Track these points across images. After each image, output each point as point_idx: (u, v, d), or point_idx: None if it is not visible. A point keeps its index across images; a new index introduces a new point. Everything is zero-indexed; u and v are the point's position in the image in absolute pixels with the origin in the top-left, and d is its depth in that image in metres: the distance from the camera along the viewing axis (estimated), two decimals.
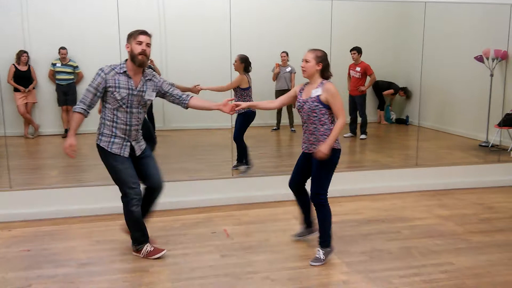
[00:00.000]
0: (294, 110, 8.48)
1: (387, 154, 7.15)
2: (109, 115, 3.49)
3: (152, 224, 4.33)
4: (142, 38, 3.44)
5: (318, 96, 3.47)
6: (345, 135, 8.15)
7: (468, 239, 4.04)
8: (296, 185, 3.82)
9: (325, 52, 3.59)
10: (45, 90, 8.01)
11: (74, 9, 7.71)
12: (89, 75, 8.06)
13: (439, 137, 8.19)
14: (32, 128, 7.85)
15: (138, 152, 3.62)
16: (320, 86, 3.49)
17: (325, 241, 3.61)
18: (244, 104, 3.75)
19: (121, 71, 3.47)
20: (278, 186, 5.08)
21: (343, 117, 3.47)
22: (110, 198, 4.71)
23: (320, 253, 3.58)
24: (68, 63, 7.95)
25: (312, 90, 3.52)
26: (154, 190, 3.69)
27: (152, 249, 3.68)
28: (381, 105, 9.33)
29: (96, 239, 4.05)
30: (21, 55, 7.64)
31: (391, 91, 9.12)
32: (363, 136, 8.07)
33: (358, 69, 8.04)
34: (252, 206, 4.86)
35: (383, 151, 7.45)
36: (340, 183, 5.29)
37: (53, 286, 3.24)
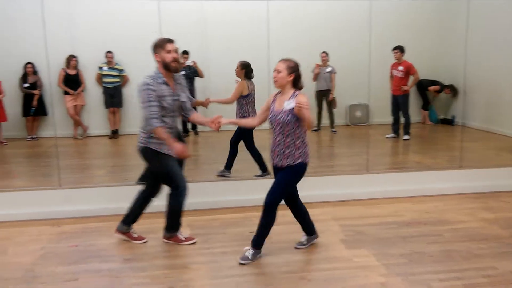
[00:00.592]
0: (335, 110, 8.50)
1: (431, 155, 6.99)
2: None
3: (192, 223, 4.48)
4: (170, 46, 3.64)
5: (291, 109, 3.44)
6: (387, 136, 8.04)
7: None
8: (286, 199, 3.80)
9: (297, 63, 3.56)
10: (93, 93, 8.37)
11: (119, 14, 8.01)
12: (134, 78, 8.38)
13: (487, 138, 7.93)
14: (81, 129, 8.20)
15: None
16: (293, 98, 3.47)
17: (260, 243, 3.65)
18: (225, 121, 3.77)
19: (161, 81, 3.65)
20: (317, 188, 5.10)
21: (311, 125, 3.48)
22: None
23: (250, 252, 3.62)
24: (114, 67, 8.26)
25: (284, 101, 3.50)
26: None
27: (184, 237, 4.02)
28: (425, 105, 9.12)
29: (140, 234, 4.20)
30: (71, 60, 8.01)
31: (437, 87, 8.90)
32: (406, 137, 7.93)
33: (400, 68, 7.91)
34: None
35: (427, 152, 7.29)
36: (380, 185, 5.26)
37: (99, 280, 3.39)
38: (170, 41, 3.68)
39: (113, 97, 8.25)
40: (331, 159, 7.33)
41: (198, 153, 7.51)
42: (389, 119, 8.14)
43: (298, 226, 4.09)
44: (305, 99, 3.43)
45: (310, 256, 3.73)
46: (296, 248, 3.89)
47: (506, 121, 7.94)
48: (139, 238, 4.10)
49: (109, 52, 8.19)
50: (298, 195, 3.84)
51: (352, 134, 8.75)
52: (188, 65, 7.76)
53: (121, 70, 8.31)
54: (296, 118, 3.44)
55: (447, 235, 4.11)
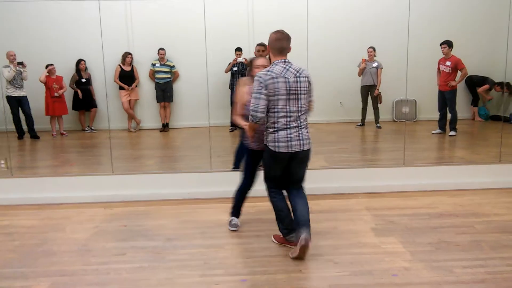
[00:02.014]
0: (380, 106, 8.52)
1: (475, 151, 6.90)
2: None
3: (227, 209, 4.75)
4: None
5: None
6: (433, 132, 7.98)
7: None
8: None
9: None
10: (146, 88, 8.87)
11: (170, 13, 8.44)
12: (184, 74, 8.82)
13: None
14: (135, 122, 8.73)
15: None
16: None
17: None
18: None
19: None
20: (353, 179, 5.26)
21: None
22: (196, 184, 5.24)
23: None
24: (166, 63, 8.71)
25: None
26: None
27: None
28: (474, 101, 8.92)
29: (182, 219, 4.55)
30: (126, 56, 8.54)
31: (486, 86, 8.68)
32: (452, 133, 7.83)
33: (448, 63, 7.82)
34: (324, 197, 5.07)
35: (471, 148, 7.20)
36: (417, 178, 5.32)
37: (144, 256, 3.75)
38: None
39: (165, 92, 8.71)
40: (373, 153, 7.40)
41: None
42: (437, 115, 8.07)
43: (332, 215, 4.27)
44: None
45: (339, 242, 3.91)
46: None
47: None
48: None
49: (161, 49, 8.65)
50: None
51: (397, 129, 8.73)
52: (240, 62, 8.09)
53: (172, 67, 8.75)
54: None
55: (478, 226, 4.15)
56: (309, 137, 3.61)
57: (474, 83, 8.76)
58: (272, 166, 3.68)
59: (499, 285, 3.12)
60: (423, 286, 3.15)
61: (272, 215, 4.28)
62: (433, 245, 3.79)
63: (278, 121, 3.50)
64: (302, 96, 3.53)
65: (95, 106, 8.49)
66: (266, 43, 5.25)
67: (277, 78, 3.44)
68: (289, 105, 3.49)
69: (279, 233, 3.89)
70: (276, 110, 3.48)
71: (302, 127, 3.55)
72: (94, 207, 4.95)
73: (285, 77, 3.47)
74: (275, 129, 3.51)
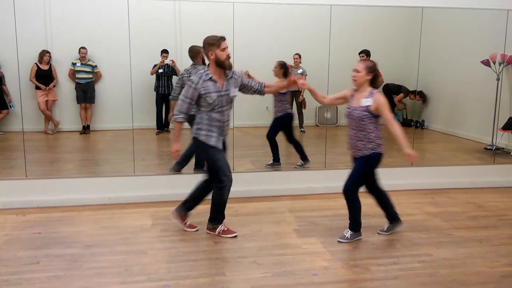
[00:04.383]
0: (304, 111, 8.75)
1: (390, 154, 7.28)
2: (205, 116, 3.92)
3: (155, 214, 4.66)
4: (225, 44, 3.85)
5: (368, 106, 3.81)
6: None
7: (452, 234, 4.22)
8: (367, 186, 4.22)
9: (375, 63, 3.94)
10: (65, 88, 8.44)
11: (93, 10, 8.12)
12: (106, 74, 8.51)
13: (446, 140, 8.28)
14: (52, 124, 8.28)
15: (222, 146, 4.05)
16: (370, 97, 3.82)
17: (355, 226, 4.07)
18: (306, 86, 4.14)
19: (207, 78, 3.87)
20: (277, 183, 5.36)
21: (394, 122, 3.87)
22: (118, 188, 5.07)
23: (348, 233, 4.05)
24: (88, 63, 8.36)
25: (362, 99, 3.87)
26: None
27: (225, 228, 4.12)
28: (391, 108, 9.43)
29: (102, 225, 4.38)
30: (44, 55, 8.07)
31: (401, 95, 9.22)
32: None
33: None
34: (250, 200, 5.13)
35: (386, 152, 7.57)
36: (337, 180, 5.51)
37: (60, 264, 3.56)
38: (223, 38, 3.86)
39: (86, 93, 8.34)
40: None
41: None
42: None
43: (255, 218, 4.33)
44: (382, 96, 3.81)
45: (263, 243, 3.96)
46: (378, 233, 4.20)
47: (464, 124, 8.32)
48: (191, 227, 4.25)
49: (82, 48, 8.28)
50: (378, 183, 4.21)
51: (319, 134, 9.02)
52: (167, 64, 7.95)
53: (94, 67, 8.42)
54: (371, 114, 3.82)
55: None
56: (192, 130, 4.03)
57: (390, 90, 9.28)
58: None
59: (410, 281, 3.32)
60: (341, 284, 3.28)
61: (198, 217, 4.29)
62: (350, 244, 3.96)
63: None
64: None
65: (6, 107, 7.94)
66: (194, 45, 5.22)
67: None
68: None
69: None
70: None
71: None
72: (5, 214, 4.62)
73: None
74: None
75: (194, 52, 5.54)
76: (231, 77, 3.99)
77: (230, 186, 4.00)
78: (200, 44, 4.02)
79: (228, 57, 3.87)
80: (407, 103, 9.41)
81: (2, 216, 4.57)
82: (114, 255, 3.73)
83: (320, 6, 6.08)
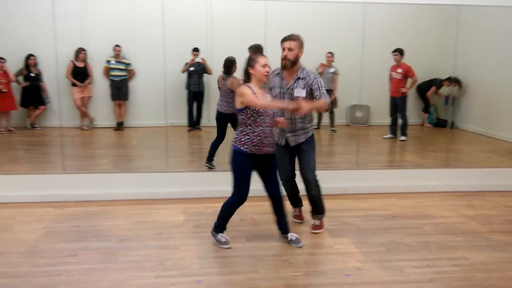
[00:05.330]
0: (336, 110, 8.70)
1: (424, 155, 7.19)
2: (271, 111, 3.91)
3: (187, 210, 4.73)
4: (283, 44, 3.96)
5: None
6: (385, 136, 8.23)
7: (489, 237, 4.12)
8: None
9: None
10: (100, 86, 8.63)
11: (127, 9, 8.27)
12: (140, 72, 8.66)
13: (481, 141, 8.09)
14: (87, 120, 8.48)
15: (292, 143, 4.05)
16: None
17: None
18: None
19: (276, 73, 4.04)
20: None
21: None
22: (151, 184, 5.16)
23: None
24: (122, 60, 8.52)
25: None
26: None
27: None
28: (425, 108, 9.26)
29: (136, 220, 4.47)
30: (80, 52, 8.28)
31: (433, 89, 8.99)
32: (403, 138, 8.11)
33: (399, 70, 8.09)
34: None
35: (420, 153, 7.48)
36: (369, 181, 5.48)
37: (96, 256, 3.65)
38: (283, 39, 3.98)
39: (120, 90, 8.51)
40: (327, 156, 7.54)
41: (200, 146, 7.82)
42: (389, 120, 8.33)
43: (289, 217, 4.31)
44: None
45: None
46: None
47: (501, 126, 8.10)
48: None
49: (117, 46, 8.44)
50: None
51: (351, 133, 8.94)
52: (197, 62, 8.05)
53: (128, 64, 8.57)
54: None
55: (427, 228, 4.33)
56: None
57: (422, 90, 9.10)
58: None
59: (446, 284, 3.26)
60: (375, 285, 3.25)
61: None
62: (384, 245, 3.91)
63: None
64: None
65: (44, 103, 8.18)
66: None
67: None
68: None
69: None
70: None
71: None
72: (44, 207, 4.76)
73: None
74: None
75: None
76: (303, 78, 3.95)
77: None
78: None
79: (283, 58, 3.93)
80: (439, 103, 9.19)
81: (41, 209, 4.71)
82: (148, 249, 3.80)
83: (353, 4, 6.01)
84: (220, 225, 3.89)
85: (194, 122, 8.37)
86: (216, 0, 8.04)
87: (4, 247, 3.79)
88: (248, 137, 3.65)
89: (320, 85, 3.91)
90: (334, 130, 8.66)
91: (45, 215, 4.55)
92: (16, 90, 8.04)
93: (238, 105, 3.65)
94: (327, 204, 4.95)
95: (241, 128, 3.69)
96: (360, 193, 5.37)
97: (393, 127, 8.25)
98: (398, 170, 5.79)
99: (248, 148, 3.65)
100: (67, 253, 3.71)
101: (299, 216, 4.51)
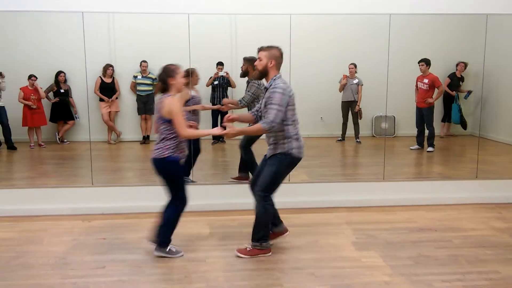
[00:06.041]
0: (360, 122, 8.63)
1: (452, 167, 7.05)
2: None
3: (212, 222, 4.75)
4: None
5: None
6: (411, 147, 8.11)
7: None
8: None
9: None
10: (127, 100, 8.80)
11: (153, 26, 8.43)
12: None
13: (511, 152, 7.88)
14: (115, 134, 8.64)
15: (268, 155, 3.93)
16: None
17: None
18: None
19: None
20: (334, 193, 5.31)
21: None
22: None
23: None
24: (148, 76, 8.68)
25: None
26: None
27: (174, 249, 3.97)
28: (444, 117, 9.05)
29: None
30: (107, 69, 8.47)
31: (447, 80, 8.66)
32: (430, 149, 7.97)
33: (426, 81, 7.99)
34: (305, 211, 5.09)
35: (448, 164, 7.34)
36: (396, 193, 5.40)
37: (124, 269, 3.70)
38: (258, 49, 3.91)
39: (146, 105, 8.65)
40: (353, 168, 7.48)
41: (222, 159, 7.86)
42: (415, 131, 8.22)
43: (313, 228, 4.30)
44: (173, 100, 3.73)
45: (320, 255, 3.92)
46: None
47: None
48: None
49: (143, 61, 8.62)
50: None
51: (376, 145, 8.85)
52: (221, 76, 8.15)
53: (154, 79, 8.71)
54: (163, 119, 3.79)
55: (456, 241, 4.23)
56: None
57: (446, 98, 8.90)
58: (286, 173, 3.94)
59: None
60: None
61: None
62: (412, 259, 3.84)
63: (297, 129, 3.82)
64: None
65: (72, 118, 8.39)
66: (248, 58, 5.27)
67: (291, 90, 3.77)
68: (296, 115, 3.83)
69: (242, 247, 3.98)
70: (294, 119, 3.80)
71: None
72: (73, 220, 4.86)
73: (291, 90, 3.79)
74: (298, 137, 3.81)
75: None
76: (269, 88, 3.83)
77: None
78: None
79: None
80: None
81: (70, 221, 4.81)
82: (174, 262, 3.82)
83: (378, 16, 5.99)
84: (168, 238, 3.92)
85: (218, 136, 8.42)
86: (240, 15, 8.12)
87: (35, 259, 3.87)
88: (180, 145, 3.82)
89: (272, 102, 3.65)
90: (359, 141, 8.59)
91: (74, 228, 4.64)
92: (46, 105, 8.27)
93: (167, 114, 3.71)
94: (354, 216, 4.93)
95: (172, 137, 3.76)
96: (386, 205, 5.29)
97: (419, 138, 8.12)
98: (426, 182, 5.69)
99: (179, 155, 3.83)
100: (95, 265, 3.77)
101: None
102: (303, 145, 3.85)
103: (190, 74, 5.74)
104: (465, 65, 8.57)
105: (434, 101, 8.04)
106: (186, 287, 3.37)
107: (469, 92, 8.54)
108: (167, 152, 3.76)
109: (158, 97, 3.88)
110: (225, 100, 6.04)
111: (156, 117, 3.85)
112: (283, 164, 3.79)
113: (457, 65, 8.50)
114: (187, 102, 5.68)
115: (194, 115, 5.69)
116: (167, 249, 3.91)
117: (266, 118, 3.69)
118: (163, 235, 3.91)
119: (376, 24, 8.05)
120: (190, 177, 5.63)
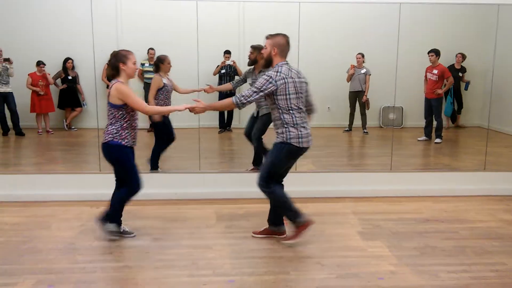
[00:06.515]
0: (368, 112, 8.59)
1: (459, 158, 7.02)
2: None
3: (219, 210, 4.76)
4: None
5: None
6: (419, 139, 8.08)
7: None
8: None
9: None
10: (134, 88, 8.72)
11: (161, 13, 8.41)
12: (173, 74, 8.77)
13: None
14: None
15: None
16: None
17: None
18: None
19: None
20: (340, 183, 5.31)
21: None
22: (184, 185, 5.22)
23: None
24: None
25: None
26: None
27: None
28: (459, 109, 9.02)
29: (169, 219, 4.53)
30: None
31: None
32: (438, 140, 7.94)
33: (435, 71, 7.93)
34: (312, 200, 5.09)
35: (456, 155, 7.31)
36: (403, 183, 5.39)
37: (131, 255, 3.74)
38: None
39: None
40: (360, 158, 7.47)
41: (229, 148, 7.86)
42: (423, 122, 8.17)
43: (320, 218, 4.31)
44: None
45: (327, 245, 3.93)
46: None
47: None
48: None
49: (151, 49, 8.60)
50: None
51: (383, 135, 8.82)
52: (228, 64, 8.13)
53: None
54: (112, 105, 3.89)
55: (463, 232, 4.22)
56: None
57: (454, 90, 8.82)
58: (285, 162, 3.83)
59: None
60: None
61: (261, 216, 4.29)
62: (418, 249, 3.84)
63: (295, 118, 3.70)
64: (303, 95, 3.82)
65: (80, 105, 8.41)
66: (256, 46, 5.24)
67: (286, 79, 3.68)
68: (299, 103, 3.74)
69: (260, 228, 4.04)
70: (292, 107, 3.70)
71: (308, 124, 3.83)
72: (80, 206, 4.90)
73: (292, 78, 3.72)
74: (296, 125, 3.70)
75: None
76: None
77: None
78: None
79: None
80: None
81: (78, 207, 4.84)
82: (180, 248, 3.85)
83: (388, 4, 5.93)
84: (116, 217, 4.01)
85: (225, 124, 8.43)
86: (249, 2, 8.06)
87: (44, 244, 3.91)
88: (127, 131, 3.85)
89: (255, 85, 3.69)
90: (366, 132, 8.56)
91: (81, 214, 4.67)
92: (53, 92, 8.29)
93: (116, 101, 3.77)
94: (361, 206, 4.93)
95: (119, 123, 3.81)
96: (393, 196, 5.28)
97: (427, 129, 8.09)
98: (433, 173, 5.67)
99: (128, 141, 3.87)
100: (103, 250, 3.80)
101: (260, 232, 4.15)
102: (308, 134, 3.78)
103: (162, 61, 5.71)
104: (463, 56, 8.50)
105: (443, 92, 7.98)
106: (193, 274, 3.39)
107: (468, 83, 8.49)
108: (109, 137, 3.83)
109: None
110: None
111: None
112: (281, 153, 3.75)
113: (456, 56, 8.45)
114: (159, 90, 5.66)
115: (164, 102, 5.71)
116: (109, 225, 3.97)
117: (240, 94, 3.73)
118: (112, 213, 4.00)
119: (386, 13, 7.98)
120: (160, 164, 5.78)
